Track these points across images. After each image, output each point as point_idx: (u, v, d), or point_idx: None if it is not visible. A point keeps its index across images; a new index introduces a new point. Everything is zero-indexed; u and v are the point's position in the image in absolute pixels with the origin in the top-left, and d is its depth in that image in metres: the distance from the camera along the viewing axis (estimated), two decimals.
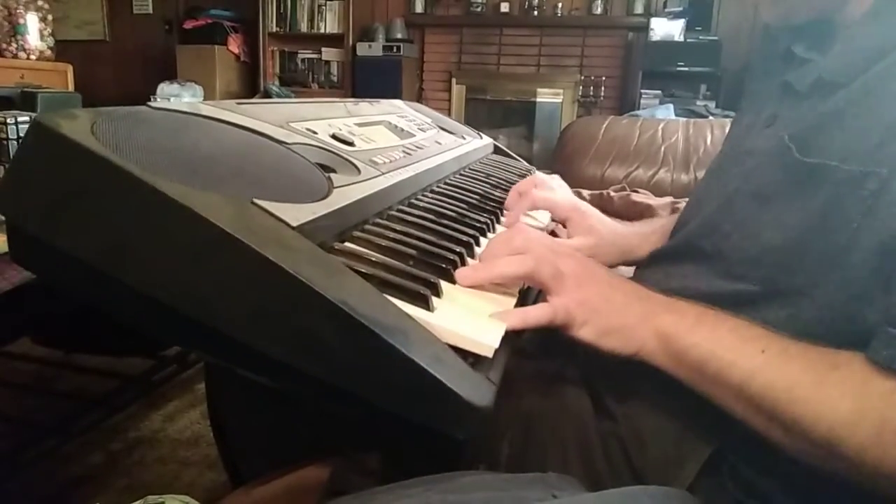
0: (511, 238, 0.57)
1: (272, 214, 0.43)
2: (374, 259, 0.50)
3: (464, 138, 1.23)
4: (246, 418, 0.74)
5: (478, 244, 0.67)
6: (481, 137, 1.38)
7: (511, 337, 0.47)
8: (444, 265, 0.54)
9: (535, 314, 0.51)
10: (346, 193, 0.59)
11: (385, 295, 0.43)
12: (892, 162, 0.44)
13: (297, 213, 0.45)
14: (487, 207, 0.82)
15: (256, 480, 0.62)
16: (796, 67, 0.58)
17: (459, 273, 0.54)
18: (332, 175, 0.63)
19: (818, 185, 0.48)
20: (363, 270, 0.46)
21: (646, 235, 0.80)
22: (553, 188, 0.82)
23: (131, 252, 0.41)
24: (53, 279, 0.47)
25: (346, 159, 0.71)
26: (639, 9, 4.08)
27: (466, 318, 0.46)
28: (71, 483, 1.32)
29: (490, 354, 0.42)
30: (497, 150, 1.42)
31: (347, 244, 0.54)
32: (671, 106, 3.38)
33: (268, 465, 0.69)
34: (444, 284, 0.50)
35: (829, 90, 0.51)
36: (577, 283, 0.53)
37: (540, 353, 0.69)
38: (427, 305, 0.44)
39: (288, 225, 0.43)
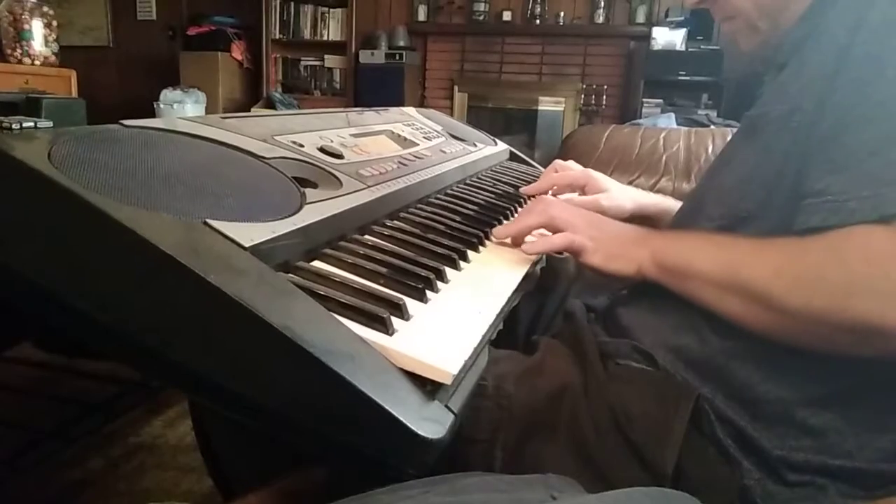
0: (533, 205, 0.75)
1: (224, 235, 0.42)
2: (337, 279, 0.49)
3: (475, 145, 1.20)
4: (229, 426, 0.73)
5: (463, 258, 0.64)
6: (496, 144, 1.34)
7: (480, 357, 0.46)
8: (417, 284, 0.52)
9: (556, 241, 0.68)
10: (320, 209, 0.58)
11: (340, 318, 0.41)
12: (813, 98, 0.55)
13: (252, 233, 0.44)
14: (484, 218, 0.80)
15: (250, 489, 0.62)
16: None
17: (495, 231, 0.73)
18: (309, 190, 0.61)
19: (761, 129, 0.61)
20: (322, 292, 0.44)
21: (654, 197, 0.93)
22: (571, 168, 1.00)
23: (81, 274, 0.40)
24: (12, 298, 0.47)
25: (330, 172, 0.69)
26: (640, 18, 4.08)
27: (432, 340, 0.44)
28: (70, 488, 1.31)
29: (449, 381, 0.40)
30: (513, 157, 1.38)
31: (315, 263, 0.53)
32: (672, 115, 3.36)
33: (253, 472, 0.68)
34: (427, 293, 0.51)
35: (778, 70, 0.65)
36: (587, 224, 0.69)
37: (528, 349, 0.71)
38: (385, 328, 0.42)
39: (240, 245, 0.42)
